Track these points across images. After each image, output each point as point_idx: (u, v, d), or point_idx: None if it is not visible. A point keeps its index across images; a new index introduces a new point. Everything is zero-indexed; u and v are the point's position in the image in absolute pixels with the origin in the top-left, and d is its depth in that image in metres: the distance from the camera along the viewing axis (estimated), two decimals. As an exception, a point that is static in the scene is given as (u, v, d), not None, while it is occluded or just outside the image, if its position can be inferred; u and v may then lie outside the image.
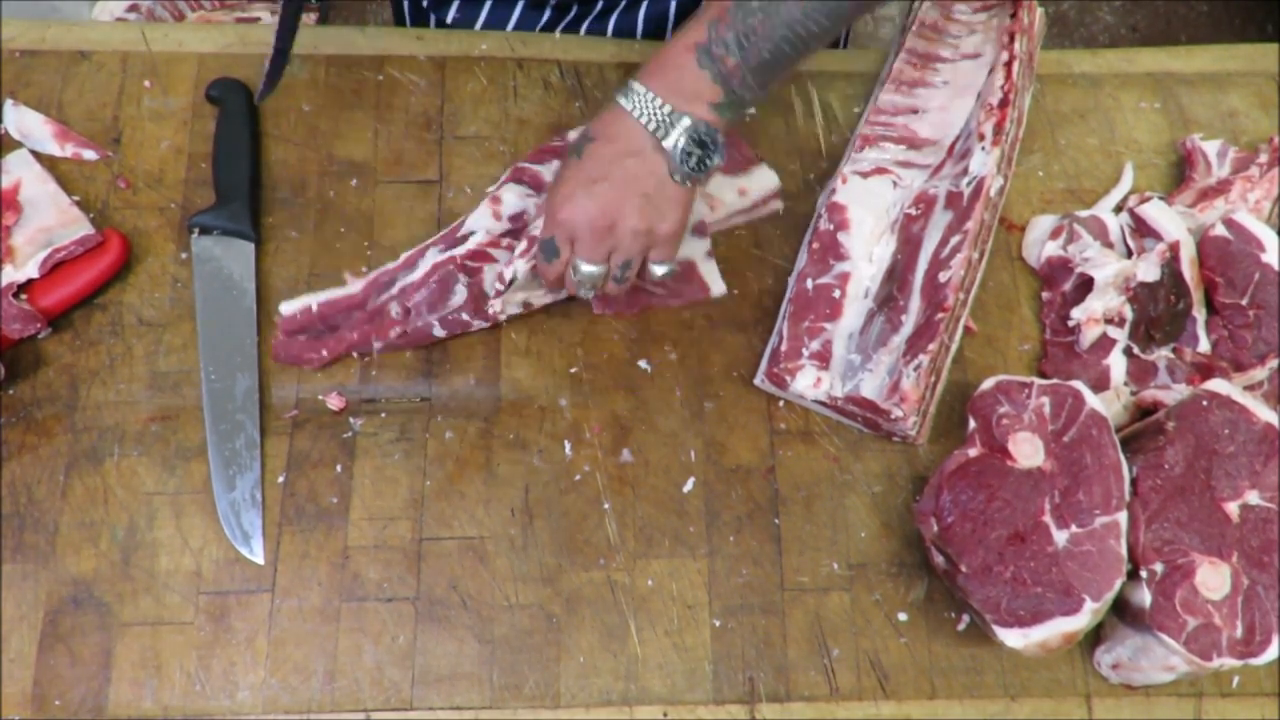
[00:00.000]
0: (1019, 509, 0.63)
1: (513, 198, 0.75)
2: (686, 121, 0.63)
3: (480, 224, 0.75)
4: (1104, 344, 0.74)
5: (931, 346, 0.69)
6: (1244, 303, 0.75)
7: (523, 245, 0.70)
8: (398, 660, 0.65)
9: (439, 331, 0.73)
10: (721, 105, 0.64)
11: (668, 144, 0.63)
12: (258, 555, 0.67)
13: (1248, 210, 0.79)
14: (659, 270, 0.69)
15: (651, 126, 0.63)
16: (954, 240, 0.73)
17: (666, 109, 0.63)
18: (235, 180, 0.76)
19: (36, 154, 0.77)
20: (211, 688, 0.64)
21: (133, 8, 1.40)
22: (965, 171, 0.76)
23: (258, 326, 0.73)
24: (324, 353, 0.72)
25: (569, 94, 0.84)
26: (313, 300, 0.73)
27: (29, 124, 0.78)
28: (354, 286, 0.74)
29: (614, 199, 0.64)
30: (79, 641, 0.65)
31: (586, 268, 0.66)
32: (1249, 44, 0.92)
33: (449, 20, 0.91)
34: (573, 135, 0.74)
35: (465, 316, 0.73)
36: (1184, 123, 0.87)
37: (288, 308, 0.73)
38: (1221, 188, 0.80)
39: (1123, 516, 0.62)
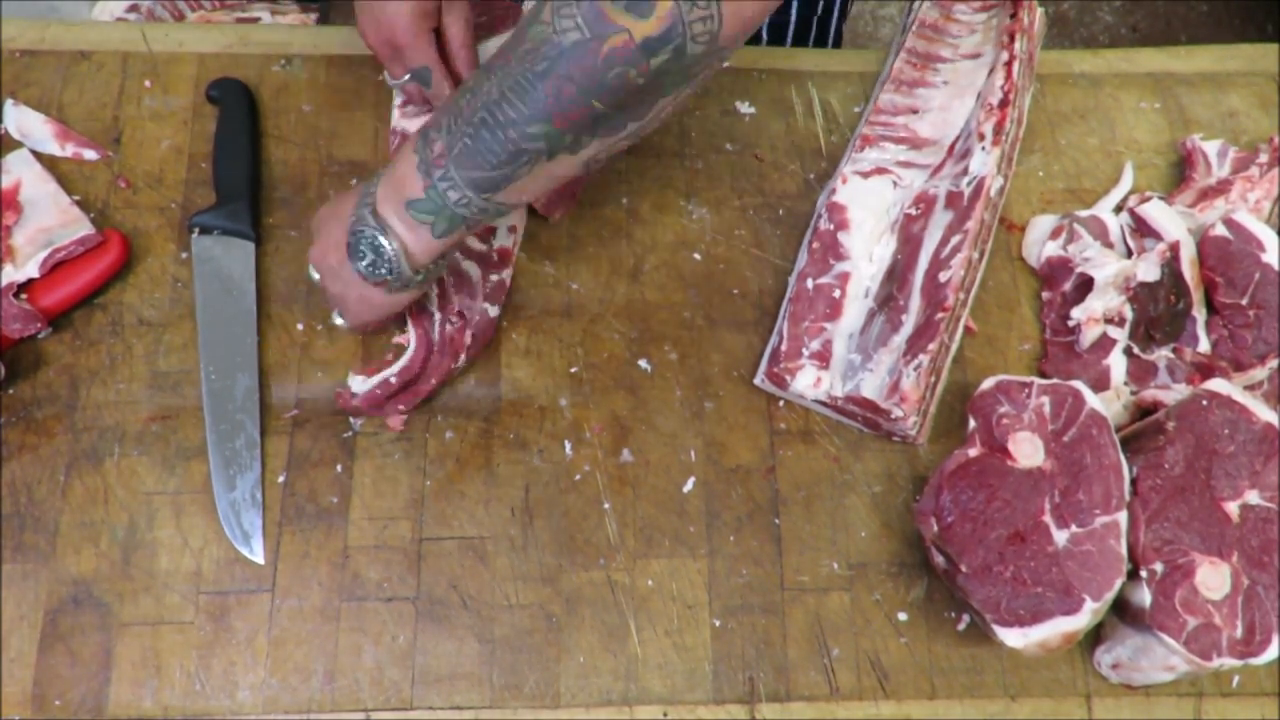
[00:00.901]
0: (1019, 509, 0.63)
1: None
2: (363, 215, 0.59)
3: None
4: (1104, 344, 0.75)
5: (931, 346, 0.69)
6: (1244, 303, 0.75)
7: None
8: (398, 660, 0.65)
9: (493, 310, 0.73)
10: (417, 203, 0.57)
11: (347, 231, 0.60)
12: (258, 555, 0.67)
13: (1248, 210, 0.79)
14: (336, 319, 0.68)
15: (347, 209, 0.60)
16: (954, 240, 0.73)
17: (366, 200, 0.59)
18: (235, 180, 0.76)
19: (37, 154, 0.77)
20: (211, 687, 0.64)
21: (133, 8, 1.39)
22: (965, 171, 0.76)
23: (258, 326, 0.73)
24: (401, 408, 0.70)
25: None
26: (389, 373, 0.69)
27: (29, 124, 0.78)
28: (411, 339, 0.70)
29: (322, 248, 0.63)
30: (79, 641, 0.65)
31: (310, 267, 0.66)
32: (1249, 44, 0.92)
33: None
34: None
35: (495, 277, 0.73)
36: (1184, 123, 0.87)
37: (361, 385, 0.69)
38: (1221, 188, 0.80)
39: (1123, 516, 0.62)
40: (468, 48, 0.72)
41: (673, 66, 0.51)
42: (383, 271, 0.60)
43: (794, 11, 0.96)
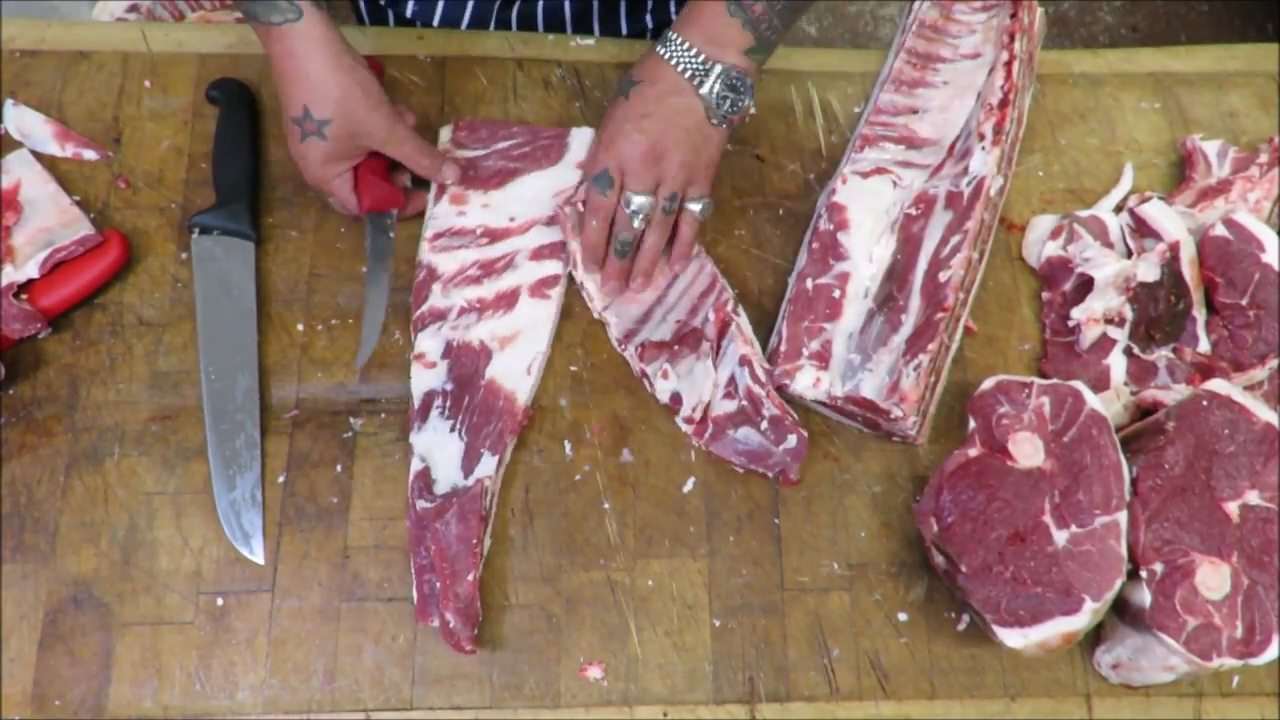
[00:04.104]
0: (1019, 509, 0.63)
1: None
2: (719, 69, 0.69)
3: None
4: (1104, 344, 0.75)
5: (931, 346, 0.69)
6: (1244, 303, 0.75)
7: (572, 219, 0.75)
8: (398, 660, 0.65)
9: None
10: (752, 50, 0.69)
11: (703, 90, 0.69)
12: (258, 555, 0.67)
13: (1248, 210, 0.79)
14: (696, 208, 0.73)
15: (688, 74, 0.69)
16: (954, 240, 0.73)
17: (700, 57, 0.69)
18: (235, 180, 0.76)
19: (37, 154, 0.77)
20: (211, 688, 0.64)
21: (133, 8, 1.40)
22: (965, 171, 0.76)
23: (258, 326, 0.73)
24: None
25: (569, 94, 0.84)
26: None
27: (29, 124, 0.78)
28: None
29: (661, 132, 0.69)
30: (79, 641, 0.65)
31: (638, 199, 0.70)
32: (1249, 44, 0.92)
33: (409, 14, 0.92)
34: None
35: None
36: (1184, 123, 0.87)
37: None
38: (1221, 188, 0.80)
39: (1123, 516, 0.62)
40: (425, 156, 0.75)
41: None
42: (743, 103, 0.70)
43: (675, 13, 0.96)
